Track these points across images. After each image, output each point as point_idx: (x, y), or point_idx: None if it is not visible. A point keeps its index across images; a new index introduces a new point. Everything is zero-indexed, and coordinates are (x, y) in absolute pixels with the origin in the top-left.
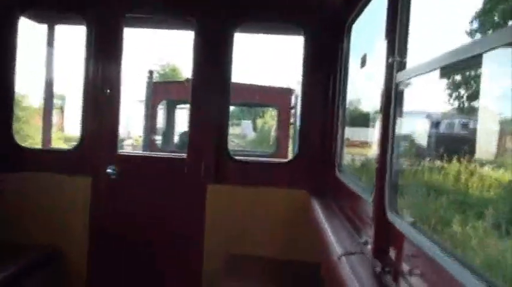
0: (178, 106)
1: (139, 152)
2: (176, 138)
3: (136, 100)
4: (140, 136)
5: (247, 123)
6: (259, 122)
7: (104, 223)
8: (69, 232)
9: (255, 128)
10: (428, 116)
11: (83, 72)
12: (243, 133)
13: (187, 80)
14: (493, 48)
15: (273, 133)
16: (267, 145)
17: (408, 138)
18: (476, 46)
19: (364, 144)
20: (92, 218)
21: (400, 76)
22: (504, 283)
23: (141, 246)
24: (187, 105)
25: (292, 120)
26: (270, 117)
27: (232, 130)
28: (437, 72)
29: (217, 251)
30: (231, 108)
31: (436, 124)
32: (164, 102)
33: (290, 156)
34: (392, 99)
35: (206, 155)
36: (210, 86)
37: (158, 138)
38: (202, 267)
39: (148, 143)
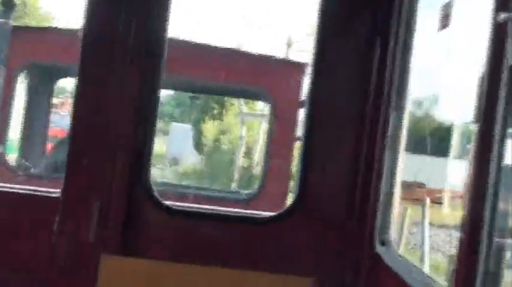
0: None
1: None
2: (53, 152)
3: None
4: None
5: (182, 131)
6: (209, 128)
7: None
8: None
9: (198, 143)
10: None
11: None
12: (170, 152)
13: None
14: None
15: (257, 158)
16: (226, 180)
17: None
18: None
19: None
20: None
21: None
22: None
23: None
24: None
25: (300, 132)
26: (233, 117)
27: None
28: None
29: None
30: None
31: None
32: (28, 70)
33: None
34: (501, 93)
35: (102, 190)
36: (119, 44)
37: (11, 150)
38: None
39: None
